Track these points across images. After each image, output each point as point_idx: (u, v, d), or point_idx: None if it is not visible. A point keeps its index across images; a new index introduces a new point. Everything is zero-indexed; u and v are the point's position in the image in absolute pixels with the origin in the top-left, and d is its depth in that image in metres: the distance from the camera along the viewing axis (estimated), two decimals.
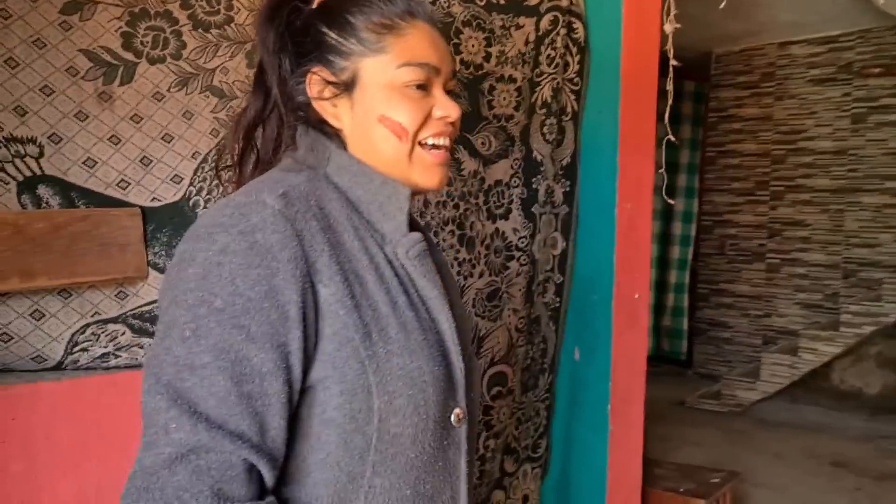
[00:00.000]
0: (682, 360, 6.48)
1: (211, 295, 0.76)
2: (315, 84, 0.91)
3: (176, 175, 1.51)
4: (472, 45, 2.21)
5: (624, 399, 2.53)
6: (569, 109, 2.50)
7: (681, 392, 5.86)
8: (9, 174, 1.35)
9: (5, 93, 1.35)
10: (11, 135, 1.35)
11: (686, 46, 5.77)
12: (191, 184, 1.52)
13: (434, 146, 0.93)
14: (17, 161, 1.36)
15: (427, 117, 0.91)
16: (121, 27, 1.48)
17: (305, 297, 0.78)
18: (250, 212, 0.79)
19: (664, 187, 2.54)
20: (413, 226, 1.00)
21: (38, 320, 1.34)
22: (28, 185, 1.37)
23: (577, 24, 2.47)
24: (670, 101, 2.56)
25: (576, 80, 2.50)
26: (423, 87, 0.90)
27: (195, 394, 0.74)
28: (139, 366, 1.44)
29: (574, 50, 2.48)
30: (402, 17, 0.91)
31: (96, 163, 1.43)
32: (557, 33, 2.41)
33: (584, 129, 2.52)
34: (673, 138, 2.53)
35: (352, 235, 0.86)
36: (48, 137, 1.39)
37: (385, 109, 0.89)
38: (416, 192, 0.94)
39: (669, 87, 2.56)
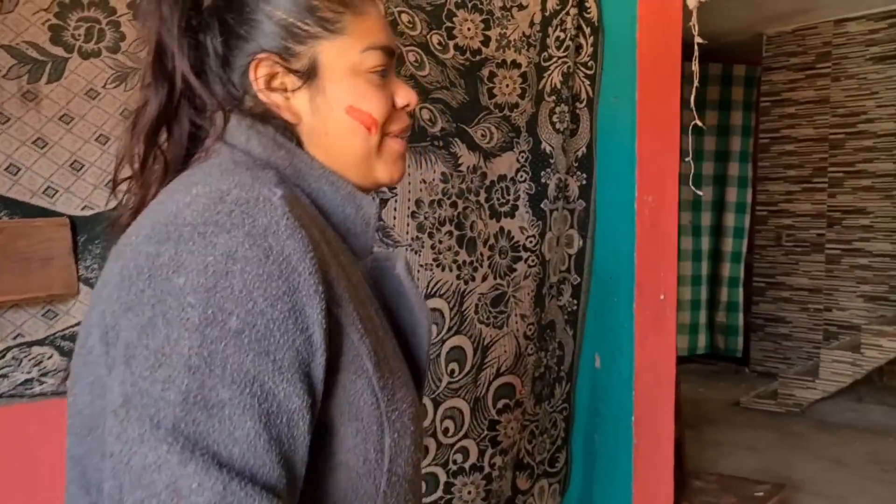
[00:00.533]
0: (738, 357, 6.17)
1: (222, 312, 0.60)
2: (263, 73, 0.76)
3: (112, 180, 1.38)
4: (468, 29, 2.04)
5: (649, 409, 2.32)
6: (583, 96, 2.30)
7: (736, 391, 5.57)
8: None
9: None
10: None
11: (734, 29, 5.47)
12: (129, 189, 1.39)
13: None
14: None
15: (391, 107, 0.81)
16: (49, 20, 1.35)
17: (322, 318, 0.65)
18: (256, 211, 0.64)
19: (692, 176, 2.32)
20: None
21: None
22: None
23: (590, 3, 2.27)
24: (696, 84, 2.34)
25: (589, 63, 2.30)
26: (386, 73, 0.80)
27: (214, 439, 0.58)
28: None
29: (587, 31, 2.29)
30: None
31: (20, 169, 1.31)
32: (567, 13, 2.21)
33: (599, 116, 2.32)
34: (700, 123, 2.31)
35: (336, 248, 0.74)
36: None
37: (353, 100, 0.78)
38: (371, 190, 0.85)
39: (695, 67, 2.35)
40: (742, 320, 6.11)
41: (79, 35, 1.38)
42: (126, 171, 0.79)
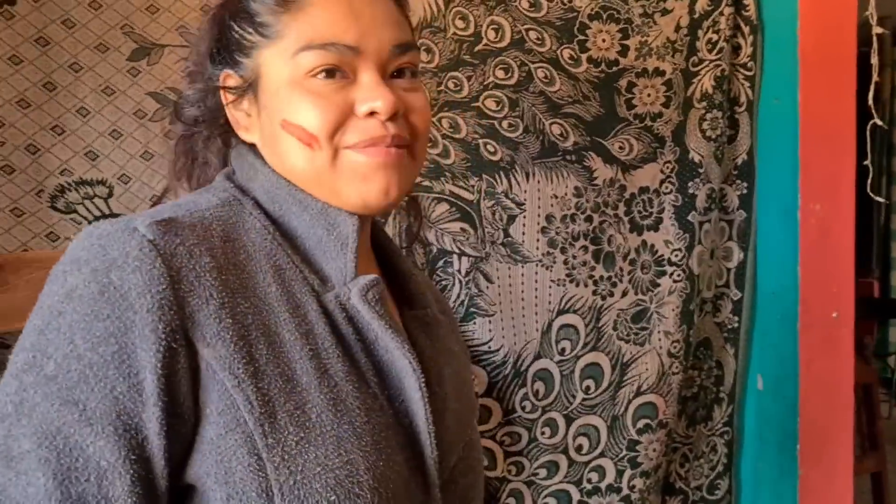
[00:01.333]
0: None
1: (43, 356, 0.58)
2: (226, 90, 0.75)
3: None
4: (603, 40, 2.00)
5: (819, 438, 2.12)
6: (742, 99, 2.17)
7: None
8: (80, 215, 1.47)
9: (77, 140, 1.47)
10: (82, 178, 1.47)
11: None
12: None
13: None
14: (87, 202, 1.47)
15: (347, 114, 0.69)
16: (188, 66, 1.54)
17: (173, 361, 0.59)
18: (111, 243, 0.60)
19: (871, 181, 2.09)
20: (393, 265, 0.82)
21: None
22: None
23: (748, 0, 2.14)
24: (875, 78, 2.12)
25: (749, 64, 2.15)
26: (335, 74, 0.69)
27: (9, 494, 0.56)
28: None
29: (746, 29, 2.15)
30: None
31: (161, 199, 1.50)
32: (721, 13, 2.10)
33: (759, 120, 2.17)
34: (880, 122, 2.09)
35: (269, 278, 0.66)
36: (118, 178, 1.49)
37: (287, 112, 0.69)
38: (368, 216, 0.74)
39: (874, 60, 2.12)
40: None
41: None
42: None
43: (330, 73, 0.69)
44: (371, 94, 0.68)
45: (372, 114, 0.69)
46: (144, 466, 0.58)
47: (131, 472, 0.57)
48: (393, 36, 0.71)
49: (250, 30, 0.71)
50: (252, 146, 0.75)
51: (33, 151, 1.44)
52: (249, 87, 0.72)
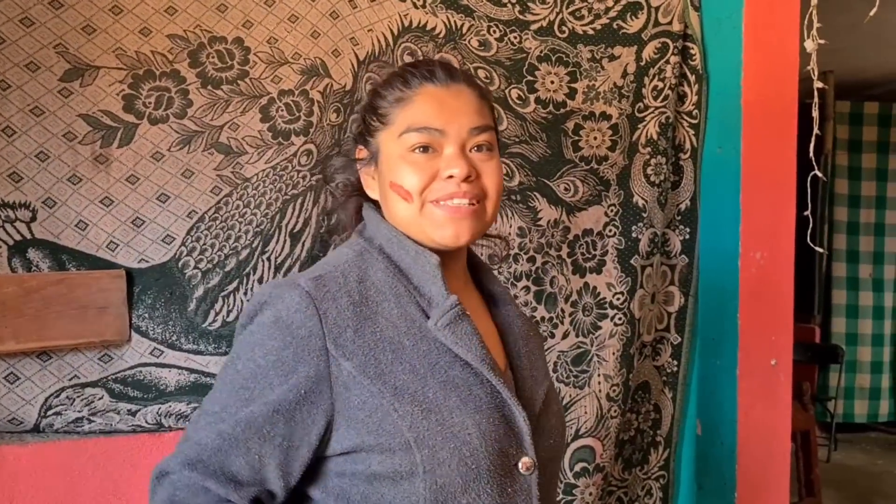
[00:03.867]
0: None
1: (237, 359, 0.91)
2: (359, 160, 1.04)
3: (168, 235, 1.49)
4: (551, 82, 2.01)
5: (756, 486, 2.13)
6: (687, 146, 2.19)
7: None
8: (0, 239, 1.40)
9: (1, 160, 1.41)
10: (3, 200, 1.40)
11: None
12: (182, 244, 1.49)
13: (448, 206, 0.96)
14: (8, 226, 1.40)
15: (433, 178, 0.95)
16: (123, 90, 1.50)
17: (318, 370, 0.88)
18: (283, 292, 0.91)
19: (811, 231, 2.12)
20: (480, 280, 1.11)
21: (11, 383, 1.37)
22: (19, 249, 1.41)
23: (694, 50, 2.17)
24: (815, 131, 2.15)
25: (694, 112, 2.19)
26: (427, 149, 0.96)
27: (199, 435, 0.89)
28: (115, 432, 1.41)
29: (692, 78, 2.18)
30: (413, 87, 0.98)
31: (87, 225, 1.45)
32: (667, 61, 2.13)
33: (703, 168, 2.20)
34: (819, 174, 2.12)
35: (392, 304, 0.94)
36: (42, 202, 1.43)
37: (393, 175, 0.97)
38: (445, 252, 0.98)
39: (815, 113, 2.17)
40: None
41: (149, 103, 1.52)
42: None
43: (424, 148, 0.96)
44: (450, 164, 0.95)
45: (450, 177, 0.94)
46: (288, 433, 0.88)
47: (281, 435, 0.88)
48: (471, 121, 0.97)
49: (375, 118, 1.01)
50: (376, 202, 1.03)
51: None
52: (373, 159, 1.01)
